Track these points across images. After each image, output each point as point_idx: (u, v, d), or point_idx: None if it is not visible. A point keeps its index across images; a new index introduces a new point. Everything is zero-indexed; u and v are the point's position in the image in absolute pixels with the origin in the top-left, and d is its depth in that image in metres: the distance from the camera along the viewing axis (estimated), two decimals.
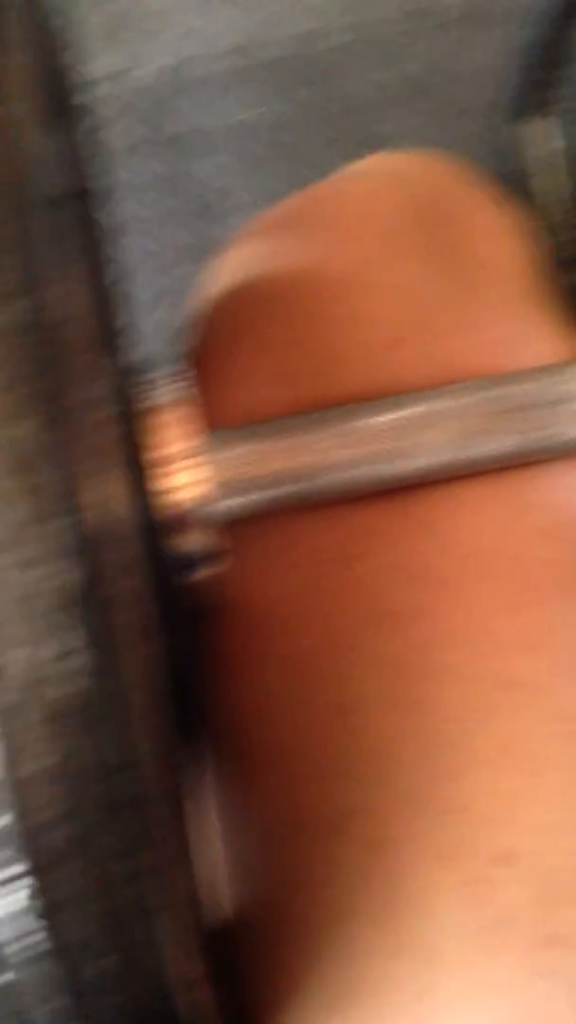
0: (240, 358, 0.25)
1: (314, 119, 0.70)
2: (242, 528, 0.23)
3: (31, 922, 0.13)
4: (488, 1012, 0.20)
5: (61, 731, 0.13)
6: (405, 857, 0.21)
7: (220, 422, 0.24)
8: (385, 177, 0.28)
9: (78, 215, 0.20)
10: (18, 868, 0.13)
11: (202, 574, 0.21)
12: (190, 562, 0.21)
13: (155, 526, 0.20)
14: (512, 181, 0.32)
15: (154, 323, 0.66)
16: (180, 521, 0.20)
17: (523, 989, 0.20)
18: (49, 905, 0.13)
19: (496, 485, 0.24)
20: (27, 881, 0.13)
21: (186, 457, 0.21)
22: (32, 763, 0.13)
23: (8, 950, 0.13)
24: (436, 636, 0.22)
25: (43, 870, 0.13)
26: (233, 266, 0.27)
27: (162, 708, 0.20)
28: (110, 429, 0.19)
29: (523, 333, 0.26)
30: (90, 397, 0.17)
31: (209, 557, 0.21)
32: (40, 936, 0.13)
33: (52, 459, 0.14)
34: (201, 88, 0.69)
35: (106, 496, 0.18)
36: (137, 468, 0.21)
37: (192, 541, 0.21)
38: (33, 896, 0.13)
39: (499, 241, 0.28)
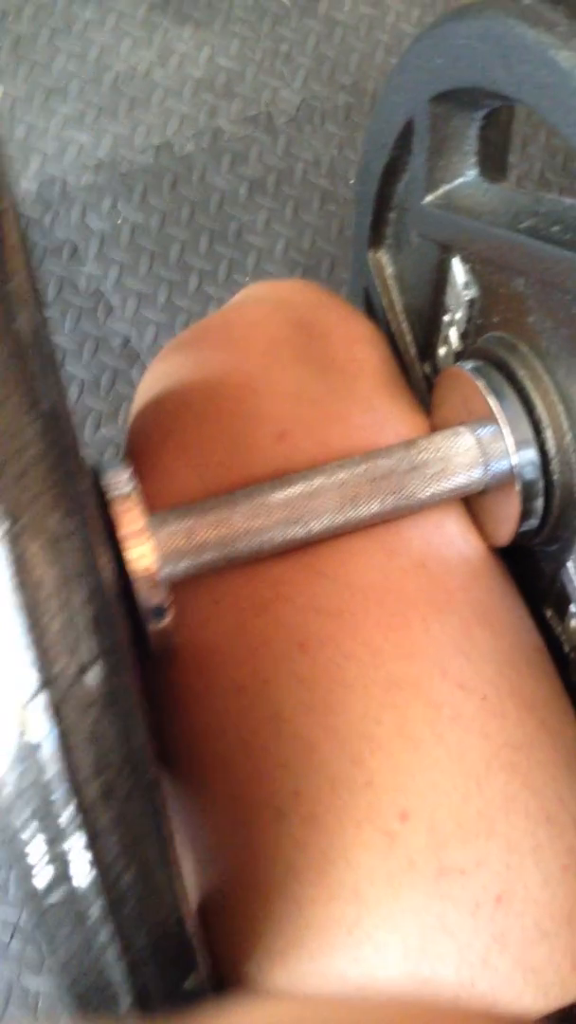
0: (164, 457, 0.31)
1: (168, 224, 0.78)
2: (184, 586, 0.30)
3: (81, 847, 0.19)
4: (401, 934, 0.26)
5: (89, 713, 0.19)
6: (331, 825, 0.27)
7: (154, 508, 0.30)
8: (266, 304, 0.35)
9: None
10: (70, 809, 0.19)
11: (162, 623, 0.27)
12: (155, 612, 0.27)
13: (129, 586, 0.27)
14: (363, 297, 0.40)
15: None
16: (142, 582, 0.27)
17: (425, 912, 0.26)
18: (91, 833, 0.19)
19: (370, 538, 0.31)
20: (78, 820, 0.19)
21: (138, 535, 0.27)
22: (73, 736, 0.19)
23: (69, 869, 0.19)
24: (337, 657, 0.29)
25: (86, 810, 0.19)
26: (152, 381, 0.34)
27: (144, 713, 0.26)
28: (97, 514, 0.25)
29: (384, 417, 0.33)
30: (84, 490, 0.23)
31: (165, 610, 0.27)
32: (87, 855, 0.19)
33: (76, 537, 0.20)
34: (67, 203, 0.76)
35: (105, 562, 0.24)
36: (112, 543, 0.27)
37: (152, 598, 0.27)
38: (80, 827, 0.19)
39: (358, 348, 0.35)
